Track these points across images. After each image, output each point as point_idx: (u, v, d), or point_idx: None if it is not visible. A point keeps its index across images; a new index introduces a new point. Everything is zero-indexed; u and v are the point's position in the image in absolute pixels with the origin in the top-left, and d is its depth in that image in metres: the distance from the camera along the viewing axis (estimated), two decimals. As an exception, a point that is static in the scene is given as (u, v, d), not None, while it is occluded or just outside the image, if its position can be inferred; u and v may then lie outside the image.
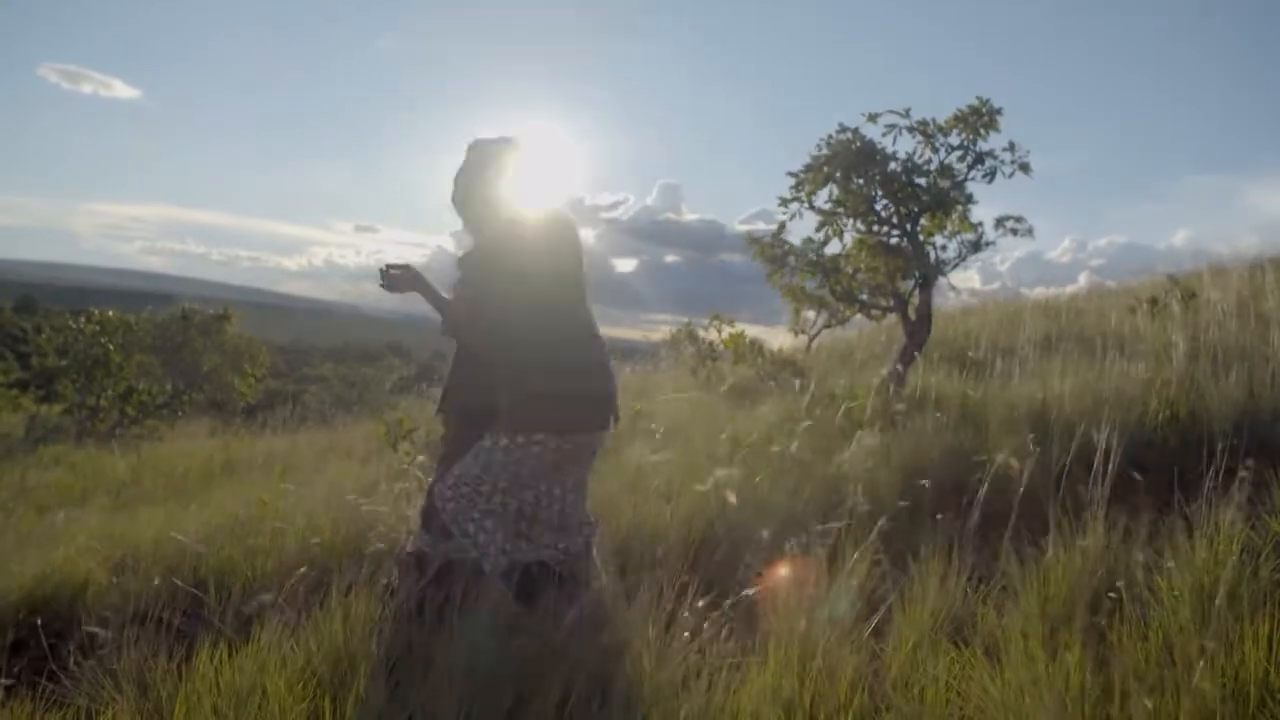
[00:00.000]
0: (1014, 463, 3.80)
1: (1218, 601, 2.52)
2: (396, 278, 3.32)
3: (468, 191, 3.37)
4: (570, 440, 3.08)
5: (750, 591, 3.00)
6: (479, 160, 3.39)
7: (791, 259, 7.24)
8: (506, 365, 3.10)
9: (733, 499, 3.92)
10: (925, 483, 3.88)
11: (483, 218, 3.34)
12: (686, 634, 2.65)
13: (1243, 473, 3.12)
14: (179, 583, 3.97)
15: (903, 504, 3.85)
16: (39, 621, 3.67)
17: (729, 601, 2.87)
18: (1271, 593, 2.60)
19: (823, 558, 3.11)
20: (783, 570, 3.11)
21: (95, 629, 3.39)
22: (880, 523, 3.24)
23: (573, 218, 3.43)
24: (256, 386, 22.61)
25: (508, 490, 3.04)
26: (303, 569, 3.44)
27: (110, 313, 18.53)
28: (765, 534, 3.29)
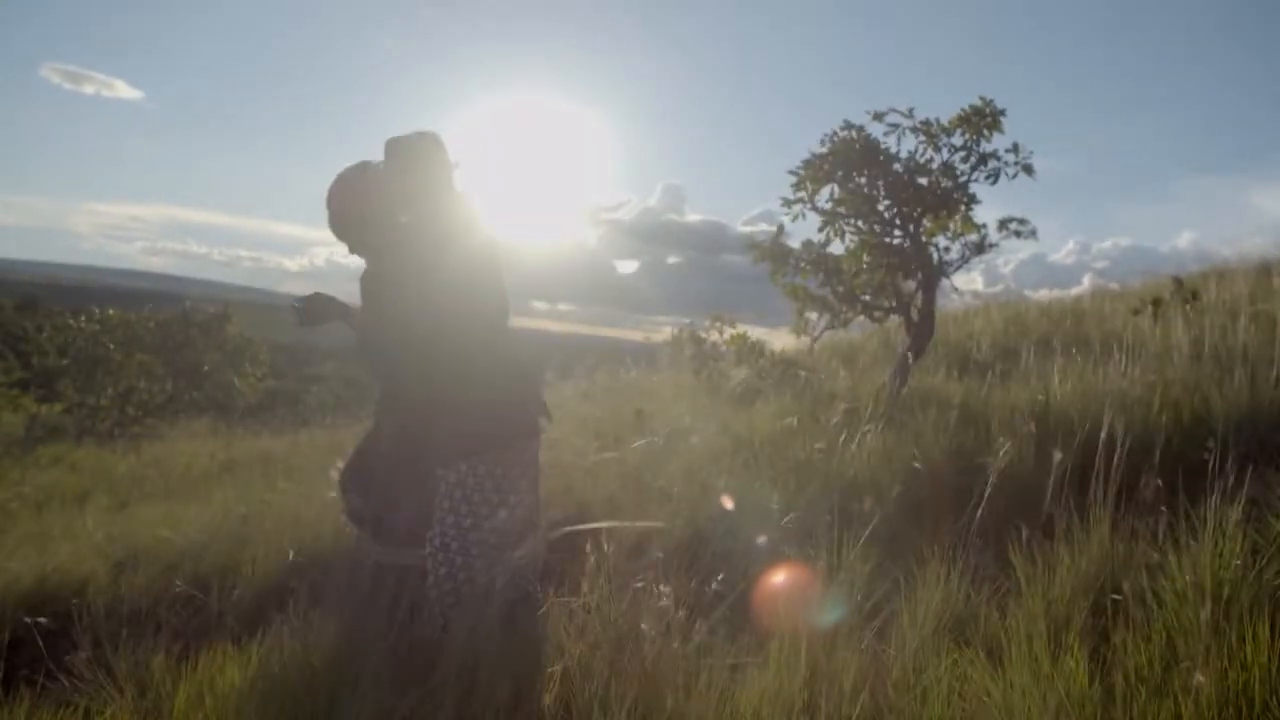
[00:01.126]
0: (1016, 464, 3.79)
1: (1221, 603, 2.51)
2: (311, 310, 3.26)
3: (400, 194, 3.18)
4: (509, 450, 3.01)
5: (752, 592, 3.00)
6: (410, 158, 3.27)
7: (792, 260, 7.23)
8: (422, 383, 3.01)
9: (732, 504, 3.91)
10: (927, 484, 3.87)
11: (399, 225, 3.18)
12: (687, 635, 2.64)
13: (1246, 474, 3.11)
14: (179, 584, 3.97)
15: (905, 505, 3.84)
16: (39, 620, 3.67)
17: (730, 602, 2.86)
18: (1275, 595, 2.59)
19: (825, 558, 3.10)
20: (784, 571, 3.10)
21: (95, 628, 3.39)
22: (882, 523, 3.24)
23: (482, 218, 3.30)
24: (257, 386, 22.61)
25: (476, 523, 2.95)
26: (303, 569, 3.43)
27: (111, 312, 18.55)
28: (767, 535, 3.29)
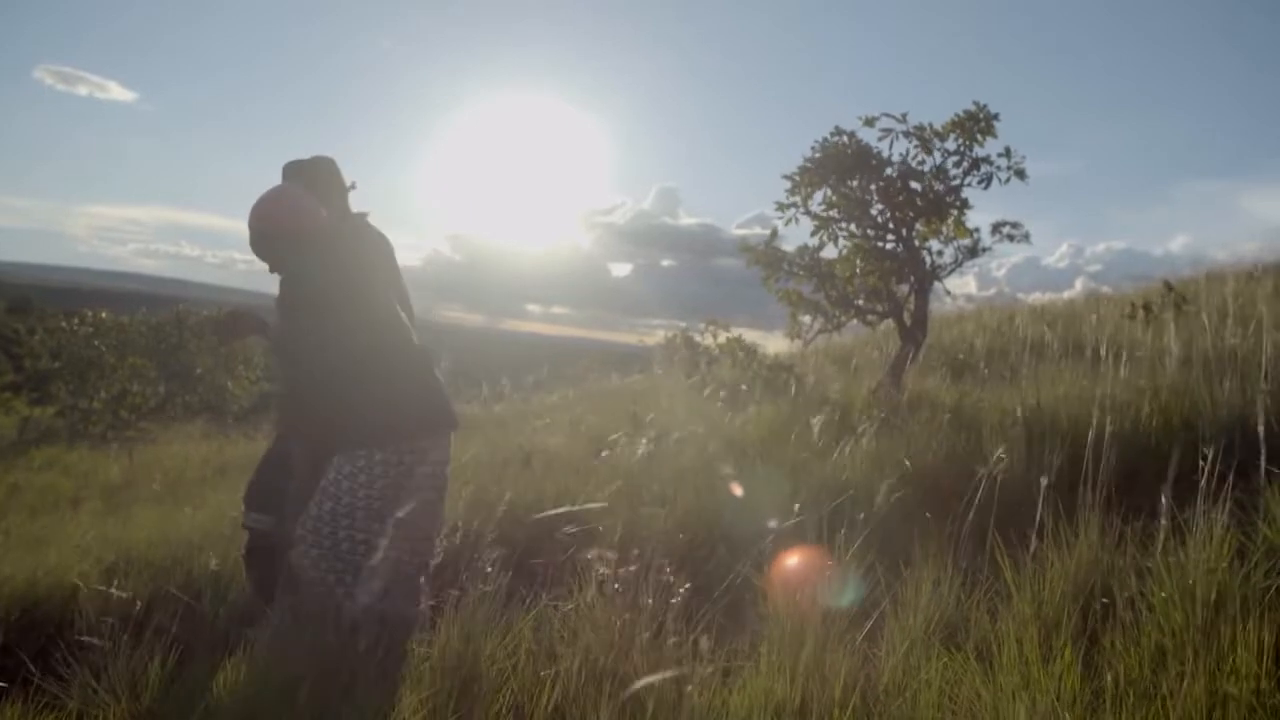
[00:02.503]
0: (1008, 468, 3.81)
1: (1209, 607, 2.52)
2: (227, 326, 3.37)
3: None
4: (410, 450, 3.10)
5: (744, 594, 3.01)
6: (308, 179, 3.45)
7: (786, 264, 7.25)
8: (332, 387, 3.13)
9: (732, 502, 3.92)
10: (919, 487, 3.89)
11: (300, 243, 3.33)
12: (678, 636, 2.65)
13: (1235, 478, 3.13)
14: (173, 588, 3.96)
15: (897, 508, 3.86)
16: (30, 624, 3.67)
17: (722, 605, 2.88)
18: (1262, 598, 2.61)
19: (816, 561, 3.11)
20: (776, 573, 3.12)
21: (88, 632, 3.39)
22: (874, 527, 3.25)
23: (380, 232, 3.52)
24: (251, 389, 22.56)
25: (365, 522, 3.04)
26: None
27: (104, 315, 18.50)
28: (758, 537, 3.30)
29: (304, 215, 3.17)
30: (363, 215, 3.54)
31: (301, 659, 2.57)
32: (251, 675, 2.64)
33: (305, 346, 3.16)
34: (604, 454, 5.48)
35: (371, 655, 2.72)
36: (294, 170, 3.47)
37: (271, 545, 3.33)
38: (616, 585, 2.84)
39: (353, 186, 3.57)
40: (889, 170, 6.49)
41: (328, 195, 3.45)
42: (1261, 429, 4.26)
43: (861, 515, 3.32)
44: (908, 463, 4.43)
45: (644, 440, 5.62)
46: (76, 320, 17.62)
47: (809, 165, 6.55)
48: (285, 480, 3.39)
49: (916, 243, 6.68)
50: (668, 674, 2.47)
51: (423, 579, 3.20)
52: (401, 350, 3.20)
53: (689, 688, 2.44)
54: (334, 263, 3.15)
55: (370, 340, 3.12)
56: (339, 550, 2.99)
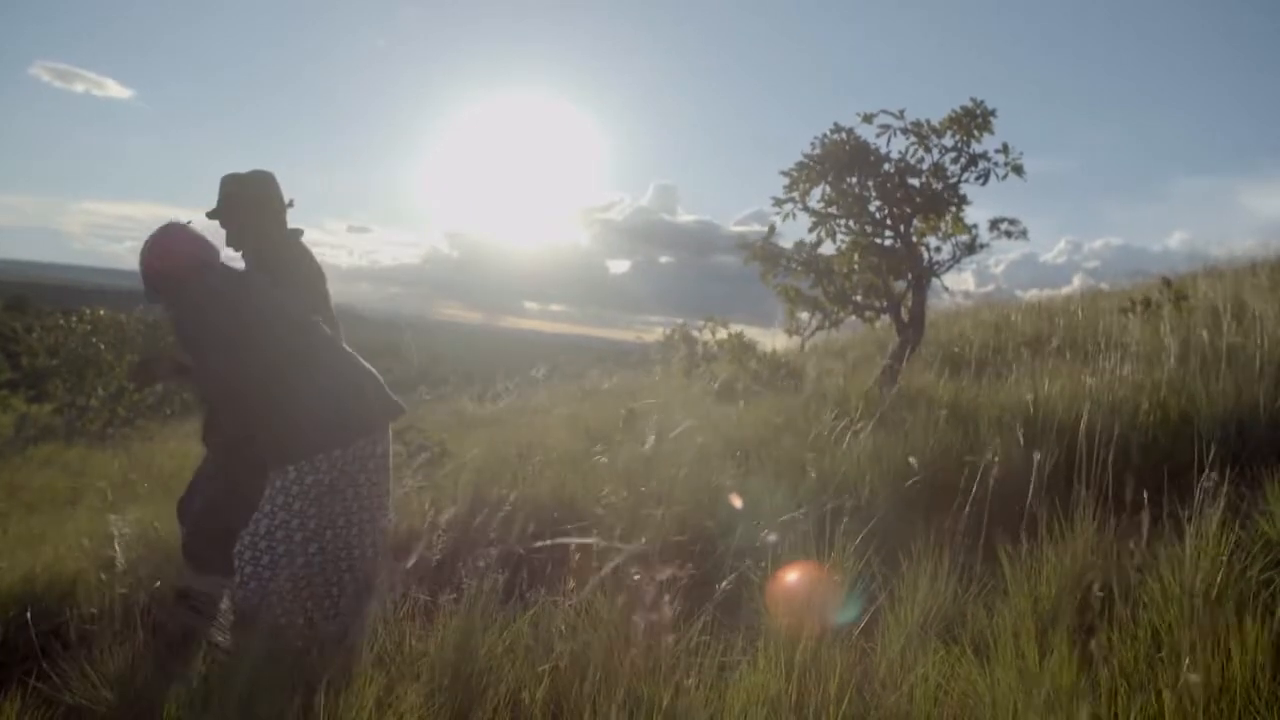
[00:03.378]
0: (1005, 463, 3.81)
1: (1206, 601, 2.53)
2: (140, 374, 3.48)
3: (243, 225, 3.50)
4: (348, 452, 3.13)
5: (741, 591, 3.01)
6: (249, 193, 3.53)
7: (784, 260, 7.25)
8: (251, 407, 3.17)
9: (732, 502, 3.92)
10: (916, 482, 3.89)
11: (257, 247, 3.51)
12: (675, 633, 2.65)
13: (1231, 473, 3.14)
14: (171, 584, 3.96)
15: (894, 504, 3.86)
16: (28, 620, 3.66)
17: (719, 600, 2.88)
18: (1258, 592, 2.61)
19: (814, 556, 3.12)
20: (774, 569, 3.12)
21: (86, 628, 3.39)
22: (872, 522, 3.25)
23: (307, 250, 3.61)
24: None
25: (307, 539, 3.07)
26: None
27: (101, 312, 18.46)
28: (756, 533, 3.30)
29: (174, 256, 3.20)
30: (297, 232, 3.61)
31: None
32: (244, 670, 2.64)
33: (207, 379, 3.23)
34: (602, 451, 5.47)
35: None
36: (228, 183, 3.54)
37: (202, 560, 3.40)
38: (614, 582, 2.85)
39: (290, 204, 3.63)
40: (887, 167, 6.50)
41: (257, 210, 3.53)
42: (1258, 424, 4.28)
43: (859, 511, 3.33)
44: (905, 458, 4.43)
45: (642, 437, 5.62)
46: (75, 318, 17.56)
47: (807, 162, 6.55)
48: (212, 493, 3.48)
49: (914, 239, 6.69)
50: (665, 669, 2.48)
51: (363, 593, 3.22)
52: (306, 367, 3.21)
53: (687, 682, 2.45)
54: (211, 301, 3.17)
55: (265, 367, 3.14)
56: (276, 567, 3.02)
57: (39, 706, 2.79)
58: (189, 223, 3.33)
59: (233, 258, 3.52)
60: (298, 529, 3.04)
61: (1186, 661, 2.30)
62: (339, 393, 3.20)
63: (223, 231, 3.60)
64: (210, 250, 3.28)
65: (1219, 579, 2.63)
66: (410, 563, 3.09)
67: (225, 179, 3.55)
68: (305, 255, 3.60)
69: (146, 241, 3.25)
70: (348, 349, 3.39)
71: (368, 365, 3.36)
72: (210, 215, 3.54)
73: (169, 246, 3.22)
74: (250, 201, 3.52)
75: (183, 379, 3.46)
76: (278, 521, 3.02)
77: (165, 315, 3.30)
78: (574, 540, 3.29)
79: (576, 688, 2.51)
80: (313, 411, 3.13)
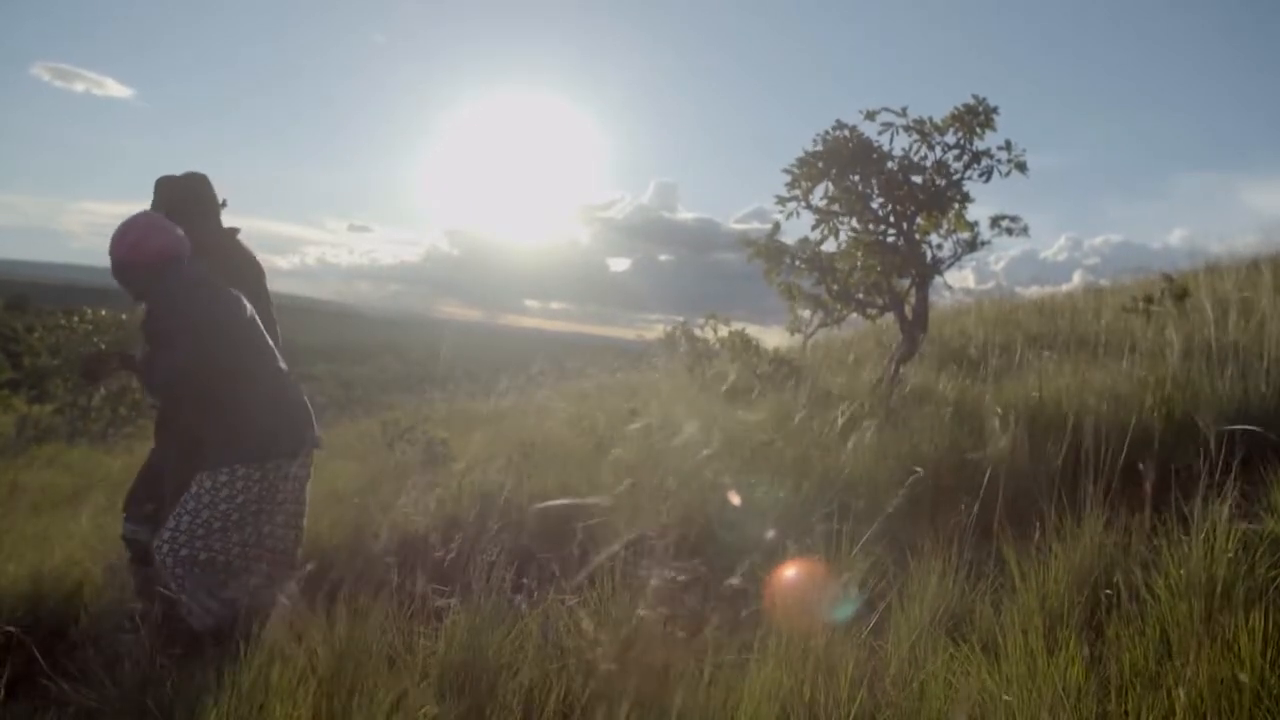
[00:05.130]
0: (1010, 460, 3.81)
1: (1213, 598, 2.54)
2: (89, 371, 3.48)
3: (179, 225, 3.46)
4: (275, 467, 3.19)
5: (750, 588, 3.01)
6: (183, 195, 3.58)
7: (787, 258, 7.25)
8: (201, 405, 3.23)
9: (736, 500, 3.93)
10: (922, 480, 3.89)
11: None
12: (688, 632, 2.65)
13: (1237, 470, 3.14)
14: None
15: (900, 501, 3.86)
16: (36, 621, 3.67)
17: (729, 598, 2.88)
18: (1266, 589, 2.62)
19: (822, 554, 3.12)
20: (783, 568, 3.12)
21: (93, 629, 3.39)
22: (878, 520, 3.25)
23: (249, 251, 3.69)
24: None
25: (222, 532, 3.12)
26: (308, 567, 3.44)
27: (103, 312, 18.45)
28: (764, 531, 3.30)
29: (145, 248, 3.23)
30: (233, 232, 3.66)
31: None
32: (257, 669, 2.64)
33: (164, 373, 3.24)
34: (607, 449, 5.48)
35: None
36: (164, 186, 3.58)
37: (149, 555, 3.42)
38: (622, 579, 2.85)
39: (224, 204, 3.68)
40: (890, 164, 6.49)
41: (196, 211, 3.58)
42: (1264, 421, 4.28)
43: (865, 509, 3.33)
44: (910, 456, 4.44)
45: (646, 435, 5.62)
46: (76, 318, 17.56)
47: (810, 159, 6.54)
48: (161, 491, 3.51)
49: (917, 236, 6.69)
50: (674, 667, 2.48)
51: (282, 596, 3.25)
52: (259, 374, 3.28)
53: (698, 680, 2.45)
54: (185, 294, 3.20)
55: (228, 366, 3.20)
56: (196, 563, 3.05)
57: (51, 710, 2.79)
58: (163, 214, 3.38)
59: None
60: (219, 529, 3.11)
61: (1195, 658, 2.30)
62: (282, 408, 3.28)
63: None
64: (182, 244, 3.32)
65: (1226, 575, 2.63)
66: (411, 559, 3.10)
67: (159, 181, 3.62)
68: (244, 254, 3.67)
69: (117, 231, 3.28)
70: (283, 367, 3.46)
71: (296, 395, 3.45)
72: None
73: (140, 238, 3.26)
74: (185, 203, 3.58)
75: (133, 374, 3.49)
76: (200, 520, 3.07)
77: (140, 302, 3.31)
78: (580, 538, 3.29)
79: (588, 686, 2.51)
80: (259, 420, 3.20)
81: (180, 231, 3.33)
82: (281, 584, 3.21)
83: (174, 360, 3.18)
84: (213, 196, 3.65)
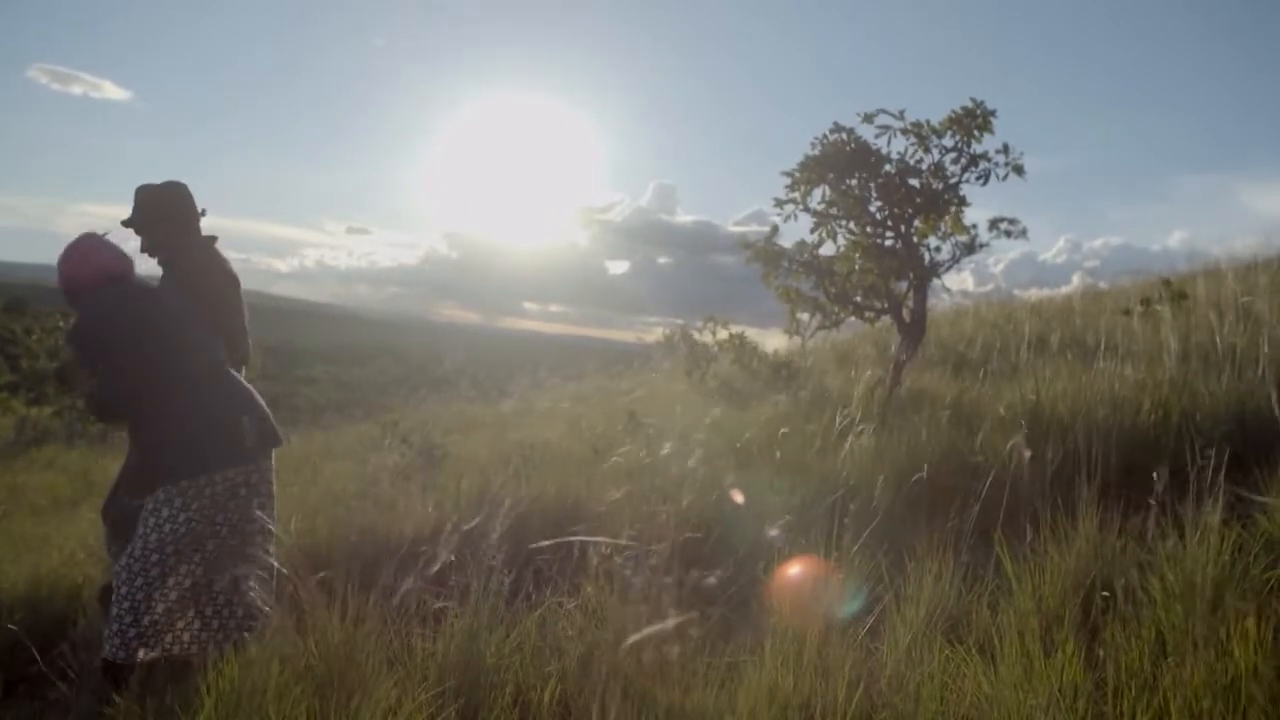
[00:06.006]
0: (1007, 463, 3.82)
1: (1208, 600, 2.55)
2: (65, 379, 3.47)
3: (157, 234, 3.58)
4: (221, 477, 3.20)
5: (748, 591, 3.02)
6: (161, 204, 3.60)
7: (785, 261, 7.26)
8: (135, 419, 3.26)
9: (738, 498, 3.94)
10: (920, 483, 3.90)
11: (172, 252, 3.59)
12: (684, 634, 2.66)
13: (1233, 472, 3.15)
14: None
15: (898, 504, 3.87)
16: (35, 624, 3.68)
17: (726, 600, 2.89)
18: (1261, 590, 2.63)
19: (819, 556, 3.13)
20: (780, 570, 3.13)
21: (91, 630, 3.40)
22: (875, 522, 3.26)
23: (223, 260, 3.70)
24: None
25: (175, 555, 3.12)
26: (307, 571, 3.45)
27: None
28: (761, 533, 3.31)
29: (86, 266, 3.28)
30: (211, 240, 3.68)
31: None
32: (251, 673, 2.65)
33: (90, 399, 3.29)
34: (605, 452, 5.49)
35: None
36: (143, 195, 3.62)
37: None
38: (620, 582, 2.86)
39: (203, 212, 3.71)
40: (888, 167, 6.51)
41: (176, 220, 3.65)
42: (1260, 423, 4.29)
43: (863, 511, 3.34)
44: (908, 459, 4.45)
45: (645, 438, 5.63)
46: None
47: (808, 162, 6.56)
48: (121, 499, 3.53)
49: (915, 239, 6.70)
50: (672, 669, 2.49)
51: (241, 611, 3.25)
52: (192, 386, 3.26)
53: (695, 682, 2.46)
54: (107, 314, 3.22)
55: (158, 379, 3.20)
56: (149, 590, 3.05)
57: (49, 709, 2.80)
58: (106, 234, 3.41)
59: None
60: (172, 553, 3.10)
61: (1190, 659, 2.31)
62: (212, 423, 3.25)
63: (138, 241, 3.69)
64: (124, 262, 3.37)
65: (1222, 577, 2.64)
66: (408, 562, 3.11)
67: (139, 190, 3.66)
68: (218, 263, 3.70)
69: (62, 252, 3.33)
70: (235, 376, 3.47)
71: (252, 394, 3.45)
72: (125, 224, 3.63)
73: (82, 257, 3.31)
74: (163, 212, 3.62)
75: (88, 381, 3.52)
76: (152, 543, 3.07)
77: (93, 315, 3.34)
78: (579, 541, 3.30)
79: (585, 688, 2.52)
80: (182, 439, 3.19)
81: (123, 250, 3.39)
82: (238, 617, 3.24)
83: (96, 385, 3.23)
84: (192, 205, 3.68)
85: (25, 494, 7.93)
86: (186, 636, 3.13)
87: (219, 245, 3.77)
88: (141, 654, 2.98)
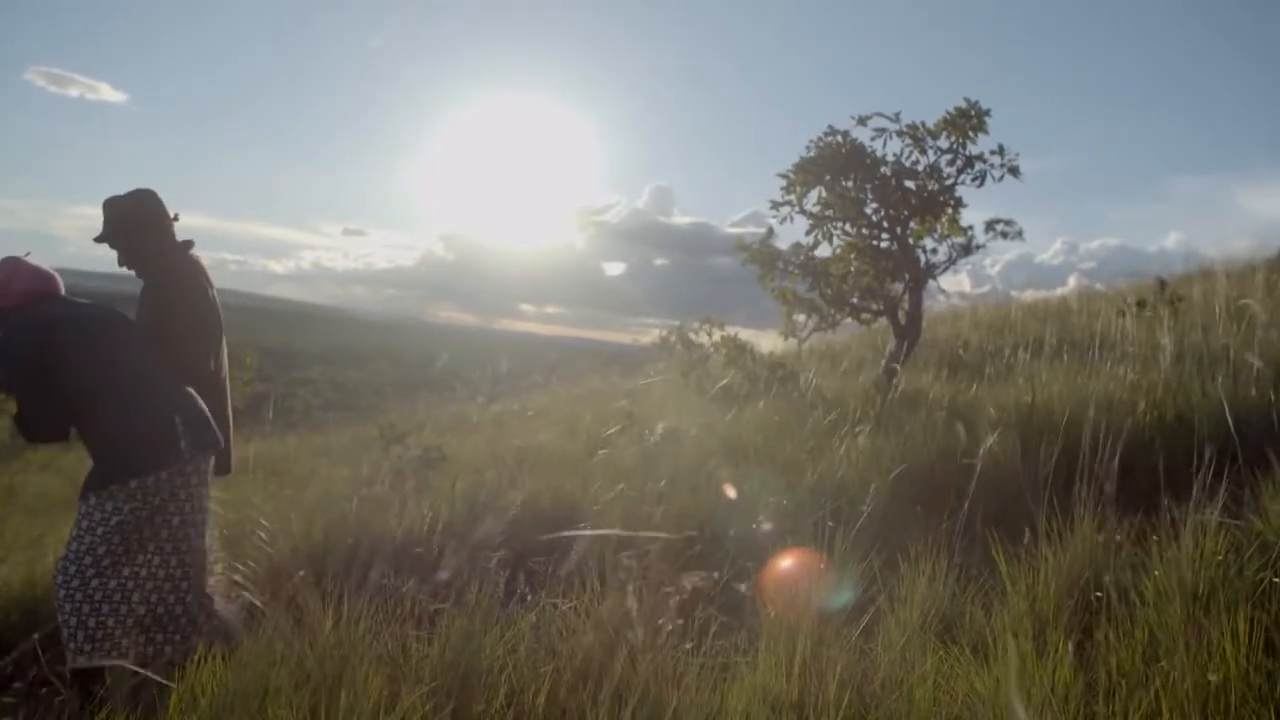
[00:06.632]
0: (1003, 464, 3.83)
1: (1201, 601, 2.55)
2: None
3: (129, 245, 3.58)
4: (154, 480, 3.19)
5: (742, 591, 3.03)
6: (130, 214, 3.58)
7: (781, 263, 7.28)
8: (81, 426, 3.26)
9: (731, 494, 3.95)
10: (915, 484, 3.91)
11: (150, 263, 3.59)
12: (678, 635, 2.67)
13: (1228, 473, 3.16)
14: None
15: (893, 504, 3.88)
16: (31, 626, 3.67)
17: (720, 601, 2.89)
18: (1254, 592, 2.63)
19: (814, 557, 3.14)
20: (774, 570, 3.14)
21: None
22: (870, 522, 3.26)
23: (194, 262, 3.67)
24: (244, 390, 22.52)
25: (110, 557, 3.13)
26: (300, 572, 3.45)
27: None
28: (755, 534, 3.32)
29: (8, 289, 3.29)
30: (186, 245, 3.69)
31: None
32: (242, 673, 2.65)
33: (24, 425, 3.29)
34: (601, 453, 5.49)
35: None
36: (111, 206, 3.61)
37: None
38: (614, 583, 2.86)
39: (176, 218, 3.70)
40: (883, 169, 6.52)
41: (148, 227, 3.62)
42: (1254, 425, 4.30)
43: (857, 511, 3.35)
44: (903, 460, 4.45)
45: (641, 439, 5.64)
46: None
47: (804, 164, 6.57)
48: None
49: (911, 241, 6.71)
50: (666, 670, 2.50)
51: (182, 616, 3.25)
52: (121, 394, 3.25)
53: (688, 682, 2.46)
54: (28, 332, 3.22)
55: (89, 391, 3.21)
56: (88, 593, 3.05)
57: (42, 711, 2.80)
58: (27, 254, 3.41)
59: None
60: (105, 554, 3.11)
61: (1182, 661, 2.32)
62: (142, 428, 3.24)
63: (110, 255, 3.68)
64: (48, 283, 3.37)
65: (1214, 578, 2.65)
66: (403, 563, 3.12)
67: (106, 202, 3.65)
68: (194, 269, 3.67)
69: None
70: (175, 379, 3.44)
71: (191, 396, 3.42)
72: (98, 240, 3.61)
73: (5, 280, 3.30)
74: (132, 222, 3.59)
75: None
76: (85, 546, 3.10)
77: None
78: (574, 542, 3.30)
79: (579, 689, 2.52)
80: (113, 446, 3.20)
81: (46, 270, 3.38)
82: (199, 619, 3.23)
83: (20, 407, 3.22)
84: (164, 212, 3.66)
85: (21, 495, 7.92)
86: (128, 643, 3.12)
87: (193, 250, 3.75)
88: (100, 660, 2.98)
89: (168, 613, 3.22)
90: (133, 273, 3.63)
